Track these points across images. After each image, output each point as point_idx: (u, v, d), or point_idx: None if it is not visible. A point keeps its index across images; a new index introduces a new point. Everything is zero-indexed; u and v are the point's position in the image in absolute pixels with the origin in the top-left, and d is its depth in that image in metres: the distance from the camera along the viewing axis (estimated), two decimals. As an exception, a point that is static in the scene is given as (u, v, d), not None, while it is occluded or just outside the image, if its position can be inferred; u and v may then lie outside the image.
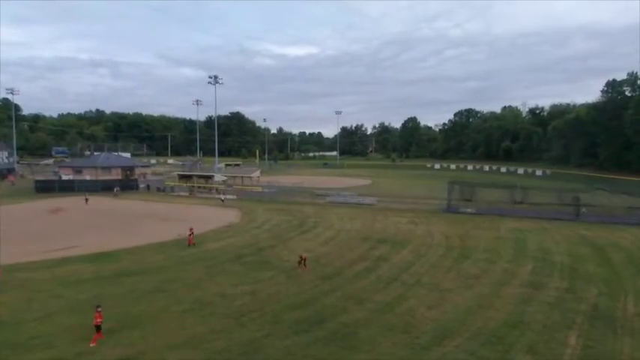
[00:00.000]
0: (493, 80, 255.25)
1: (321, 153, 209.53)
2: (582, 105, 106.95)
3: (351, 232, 32.62)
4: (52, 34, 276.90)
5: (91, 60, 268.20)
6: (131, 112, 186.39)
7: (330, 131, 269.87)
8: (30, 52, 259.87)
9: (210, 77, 64.25)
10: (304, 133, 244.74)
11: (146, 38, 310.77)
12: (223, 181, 57.94)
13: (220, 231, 32.76)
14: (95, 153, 76.85)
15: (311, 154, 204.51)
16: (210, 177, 56.90)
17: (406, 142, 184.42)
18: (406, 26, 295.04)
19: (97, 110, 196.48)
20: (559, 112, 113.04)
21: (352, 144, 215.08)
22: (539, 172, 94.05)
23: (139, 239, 29.01)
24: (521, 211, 43.12)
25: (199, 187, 58.04)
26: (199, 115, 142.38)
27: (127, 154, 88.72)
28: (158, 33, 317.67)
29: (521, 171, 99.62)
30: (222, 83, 65.48)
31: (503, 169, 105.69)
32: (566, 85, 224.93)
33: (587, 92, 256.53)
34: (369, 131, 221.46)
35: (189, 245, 27.28)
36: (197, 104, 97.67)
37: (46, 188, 56.43)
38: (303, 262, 22.15)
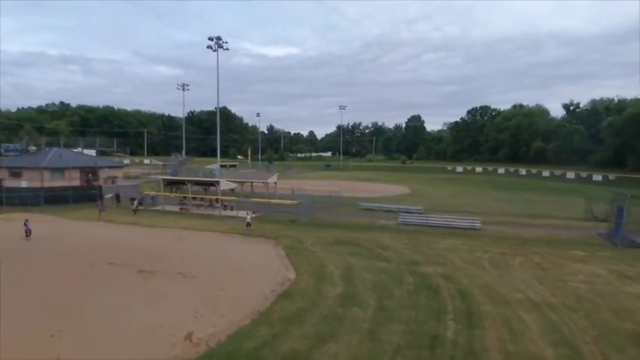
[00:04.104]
0: (470, 84, 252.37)
1: (316, 154, 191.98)
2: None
3: (560, 311, 15.02)
4: (18, 28, 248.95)
5: (61, 56, 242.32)
6: (101, 106, 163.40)
7: (314, 131, 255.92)
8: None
9: (210, 39, 45.53)
10: (289, 133, 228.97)
11: (120, 34, 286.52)
12: (232, 189, 39.34)
13: (279, 317, 14.39)
14: (46, 149, 56.51)
15: (305, 155, 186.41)
16: (213, 184, 38.12)
17: (410, 143, 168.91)
18: (386, 28, 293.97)
19: (62, 103, 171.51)
20: (603, 107, 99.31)
21: (348, 144, 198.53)
22: (597, 177, 79.20)
23: (88, 354, 10.54)
24: None
25: (196, 198, 39.32)
26: (179, 113, 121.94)
27: (92, 152, 68.29)
28: (133, 29, 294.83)
29: (570, 175, 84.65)
30: (227, 49, 46.91)
31: (545, 173, 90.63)
32: (539, 90, 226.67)
33: (559, 98, 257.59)
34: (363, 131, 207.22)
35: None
36: (183, 89, 78.09)
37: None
38: None
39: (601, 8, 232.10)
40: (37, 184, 43.72)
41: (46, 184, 43.75)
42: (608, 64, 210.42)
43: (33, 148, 56.15)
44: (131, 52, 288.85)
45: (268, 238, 26.71)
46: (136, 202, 36.94)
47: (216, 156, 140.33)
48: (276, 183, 46.49)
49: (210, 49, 46.09)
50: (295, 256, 22.19)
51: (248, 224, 28.54)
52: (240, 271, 19.60)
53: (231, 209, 37.99)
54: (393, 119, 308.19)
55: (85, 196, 41.35)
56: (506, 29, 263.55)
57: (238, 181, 44.92)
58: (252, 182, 48.49)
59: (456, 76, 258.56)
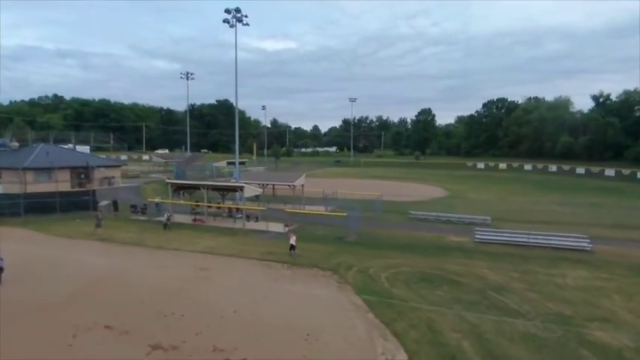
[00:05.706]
0: (469, 79, 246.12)
1: (321, 149, 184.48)
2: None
3: None
4: (14, 21, 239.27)
5: (58, 50, 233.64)
6: (97, 99, 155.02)
7: (309, 126, 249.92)
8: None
9: (227, 12, 37.65)
10: (290, 127, 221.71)
11: (117, 28, 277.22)
12: (256, 196, 32.03)
13: None
14: (33, 146, 48.84)
15: (312, 150, 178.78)
16: (235, 189, 30.73)
17: (421, 137, 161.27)
18: (385, 23, 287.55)
19: (55, 96, 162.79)
20: (637, 99, 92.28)
21: (355, 138, 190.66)
22: (642, 175, 72.15)
23: None
24: None
25: (211, 207, 31.93)
26: (177, 107, 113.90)
27: (86, 148, 60.58)
28: (130, 24, 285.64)
29: (610, 172, 77.64)
30: (247, 24, 39.15)
31: (579, 170, 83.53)
32: (537, 85, 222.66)
33: (558, 92, 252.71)
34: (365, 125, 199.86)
35: None
36: (187, 78, 70.26)
37: None
38: None
39: (600, 3, 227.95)
40: (17, 188, 36.23)
41: (29, 189, 36.28)
42: (607, 58, 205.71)
43: (15, 144, 48.16)
44: (128, 46, 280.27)
45: (324, 270, 19.45)
46: (166, 215, 29.25)
47: (219, 151, 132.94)
48: (303, 186, 39.14)
49: (226, 24, 38.22)
50: (382, 309, 14.94)
51: (292, 247, 21.22)
52: (311, 344, 12.33)
53: (256, 220, 30.78)
54: (393, 113, 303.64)
55: (75, 203, 34.16)
56: (505, 24, 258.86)
57: (259, 184, 37.59)
58: (274, 185, 41.21)
59: (455, 70, 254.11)
